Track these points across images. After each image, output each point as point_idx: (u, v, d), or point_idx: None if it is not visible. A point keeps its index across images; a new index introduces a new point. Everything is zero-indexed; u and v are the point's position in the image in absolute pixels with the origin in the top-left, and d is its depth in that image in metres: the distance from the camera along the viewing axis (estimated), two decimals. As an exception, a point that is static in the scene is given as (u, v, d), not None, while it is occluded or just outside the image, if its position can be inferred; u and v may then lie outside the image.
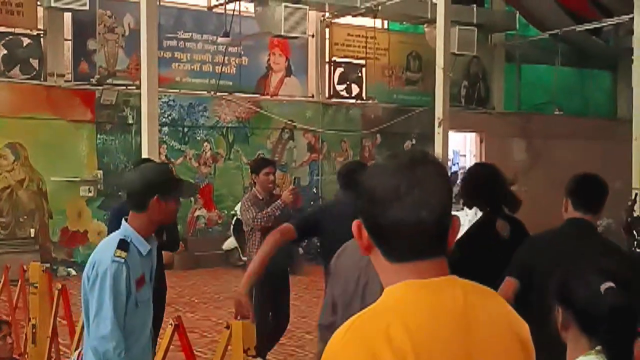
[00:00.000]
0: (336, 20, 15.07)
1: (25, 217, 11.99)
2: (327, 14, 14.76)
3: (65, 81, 12.34)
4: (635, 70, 11.17)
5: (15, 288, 6.81)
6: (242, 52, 14.08)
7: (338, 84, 15.18)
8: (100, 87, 12.50)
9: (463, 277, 1.52)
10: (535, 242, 3.71)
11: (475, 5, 15.39)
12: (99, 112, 12.54)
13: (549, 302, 2.26)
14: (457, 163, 18.36)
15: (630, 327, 2.09)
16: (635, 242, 6.66)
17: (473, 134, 17.12)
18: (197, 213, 13.40)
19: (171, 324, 3.94)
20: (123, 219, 3.22)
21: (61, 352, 5.88)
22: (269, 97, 14.42)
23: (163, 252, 5.44)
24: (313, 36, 14.77)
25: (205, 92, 13.62)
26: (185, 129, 13.46)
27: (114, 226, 3.62)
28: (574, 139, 16.45)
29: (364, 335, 1.40)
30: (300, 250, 12.41)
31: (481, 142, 16.98)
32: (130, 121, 12.60)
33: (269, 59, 14.52)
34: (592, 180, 3.65)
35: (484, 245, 3.72)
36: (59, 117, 12.18)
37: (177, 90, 13.30)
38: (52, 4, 11.25)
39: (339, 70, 15.20)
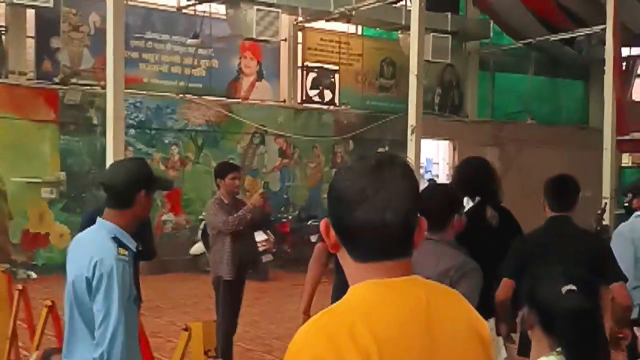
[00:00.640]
0: (309, 24, 14.98)
1: (-16, 218, 11.72)
2: (300, 18, 14.64)
3: (28, 79, 12.09)
4: (606, 81, 11.26)
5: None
6: (213, 55, 13.92)
7: (310, 89, 15.10)
8: (64, 87, 12.26)
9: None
10: (525, 241, 4.20)
11: (449, 13, 15.44)
12: (62, 112, 12.28)
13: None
14: (430, 171, 18.36)
15: (590, 330, 2.18)
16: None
17: (446, 142, 17.11)
18: (165, 217, 13.16)
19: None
20: (99, 218, 3.15)
21: (21, 356, 5.83)
22: (239, 101, 14.24)
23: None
24: (285, 40, 14.65)
25: (173, 95, 13.40)
26: (153, 132, 13.23)
27: None
28: (547, 147, 16.58)
29: (329, 332, 1.44)
30: (270, 257, 12.24)
31: (454, 149, 17.01)
32: (96, 122, 12.34)
33: (240, 63, 14.37)
34: (562, 182, 4.17)
35: (474, 234, 3.78)
36: (21, 117, 11.93)
37: (145, 92, 13.07)
38: (15, 0, 11.02)
39: (312, 75, 15.11)
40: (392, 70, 16.20)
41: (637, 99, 19.64)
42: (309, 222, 13.14)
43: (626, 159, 18.49)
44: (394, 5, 14.56)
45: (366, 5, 13.69)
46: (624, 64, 17.17)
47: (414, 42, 9.90)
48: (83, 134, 12.45)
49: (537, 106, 17.61)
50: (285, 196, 14.61)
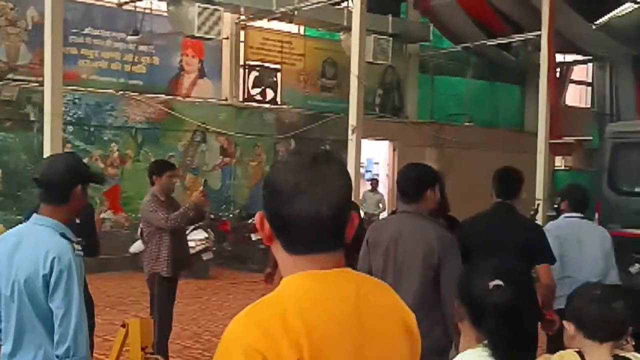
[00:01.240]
0: (252, 23, 14.95)
1: None
2: (242, 17, 14.59)
3: (-39, 74, 11.77)
4: (541, 86, 11.58)
5: None
6: (154, 52, 13.76)
7: (252, 87, 15.06)
8: (0, 82, 11.93)
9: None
10: (468, 225, 4.65)
11: (390, 15, 15.58)
12: (-3, 108, 11.99)
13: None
14: (370, 171, 18.54)
15: (515, 325, 2.20)
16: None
17: (387, 142, 17.28)
18: (103, 215, 12.94)
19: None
20: (35, 215, 3.09)
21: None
22: (181, 98, 14.13)
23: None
24: (227, 38, 14.57)
25: (113, 91, 13.19)
26: (92, 129, 12.99)
27: None
28: (484, 149, 16.87)
29: (261, 319, 1.49)
30: (210, 255, 12.21)
31: (394, 150, 17.19)
32: (33, 118, 12.03)
33: (181, 60, 14.24)
34: (509, 172, 4.71)
35: None
36: (-47, 112, 11.60)
37: (84, 88, 12.83)
38: (-51, -7, 10.73)
39: (254, 74, 15.08)
40: (334, 70, 16.29)
41: (570, 104, 20.29)
42: (250, 220, 13.14)
43: (559, 162, 19.03)
44: (336, 6, 14.64)
45: (308, 5, 13.72)
46: (558, 69, 17.72)
47: (355, 43, 9.99)
48: (19, 130, 12.11)
49: (476, 109, 17.88)
50: (226, 194, 14.56)
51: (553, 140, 11.90)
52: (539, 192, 10.97)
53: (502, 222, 4.55)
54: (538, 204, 10.46)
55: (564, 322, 2.65)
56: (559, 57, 16.87)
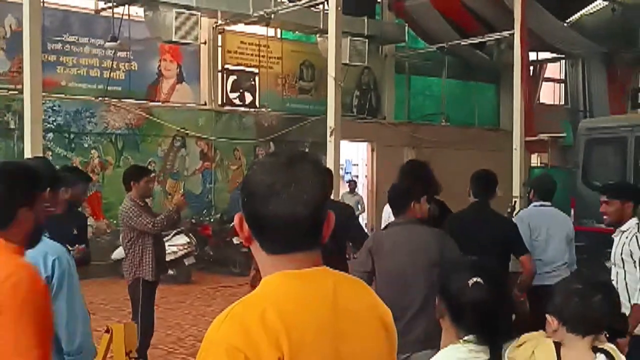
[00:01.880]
0: (229, 27, 14.98)
1: None
2: (219, 21, 14.62)
3: (-60, 83, 11.70)
4: (515, 84, 11.72)
5: None
6: (132, 58, 13.75)
7: (231, 91, 15.07)
8: (-21, 91, 11.92)
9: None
10: (450, 222, 5.06)
11: (366, 17, 15.67)
12: (-22, 116, 11.91)
13: None
14: (350, 172, 18.61)
15: (492, 319, 2.28)
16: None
17: (365, 143, 17.35)
18: (84, 222, 12.92)
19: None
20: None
21: None
22: (160, 103, 14.15)
23: None
24: (205, 43, 14.61)
25: (92, 98, 13.19)
26: (72, 136, 12.97)
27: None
28: (461, 148, 16.99)
29: (242, 319, 1.52)
30: (192, 260, 12.24)
31: (372, 151, 17.24)
32: (13, 126, 12.01)
33: (159, 65, 14.25)
34: (484, 174, 5.35)
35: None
36: None
37: (63, 95, 12.82)
38: None
39: (232, 78, 15.09)
40: (311, 72, 16.35)
41: (544, 102, 20.52)
42: (231, 224, 13.19)
43: (535, 159, 19.21)
44: (312, 8, 14.71)
45: (285, 8, 13.81)
46: (532, 68, 17.92)
47: (332, 45, 10.03)
48: (0, 138, 12.11)
49: (451, 108, 17.91)
50: (207, 199, 14.59)
51: (528, 137, 12.03)
52: (516, 190, 11.08)
53: (480, 219, 5.12)
54: (515, 201, 10.59)
55: (547, 316, 2.70)
56: (532, 56, 17.02)
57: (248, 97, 15.34)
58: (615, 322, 2.75)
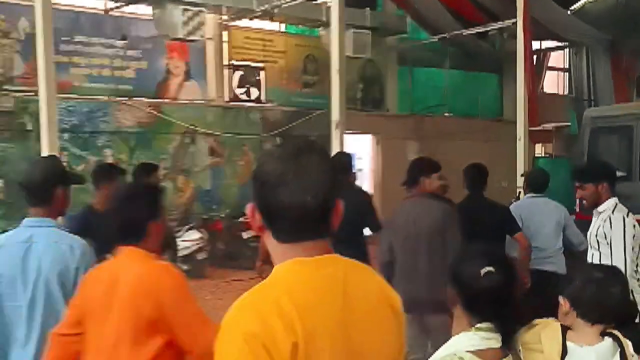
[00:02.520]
0: (234, 23, 15.05)
1: None
2: (224, 17, 14.68)
3: (-41, 87, 11.80)
4: (518, 74, 11.73)
5: None
6: (141, 56, 13.86)
7: (237, 87, 15.14)
8: (-4, 94, 12.04)
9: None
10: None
11: (368, 9, 15.68)
12: (-5, 119, 12.06)
13: None
14: (354, 165, 18.58)
15: (504, 305, 2.34)
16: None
17: (369, 136, 17.37)
18: (99, 220, 13.05)
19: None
20: (27, 219, 3.23)
21: None
22: (169, 101, 14.27)
23: None
24: (211, 39, 14.70)
25: (104, 97, 13.32)
26: (86, 135, 13.13)
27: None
28: (464, 139, 16.92)
29: (257, 306, 1.58)
30: (205, 255, 12.43)
31: (377, 143, 17.26)
32: (30, 128, 12.15)
33: (167, 63, 14.37)
34: (477, 167, 6.03)
35: None
36: (-47, 125, 11.61)
37: (77, 96, 12.95)
38: (-55, 8, 10.78)
39: (238, 73, 15.15)
40: (315, 66, 16.36)
41: (548, 91, 20.49)
42: (240, 219, 13.33)
43: (539, 149, 19.20)
44: (314, 2, 14.75)
45: (288, 2, 13.84)
46: (535, 57, 17.90)
47: (335, 38, 9.98)
48: (18, 140, 12.26)
49: (454, 99, 17.88)
50: (216, 194, 14.71)
51: (532, 127, 12.01)
52: (520, 180, 11.05)
53: (476, 208, 5.81)
54: (520, 192, 10.61)
55: (560, 298, 2.72)
56: (536, 44, 16.97)
57: (254, 92, 15.40)
58: (625, 308, 2.76)
